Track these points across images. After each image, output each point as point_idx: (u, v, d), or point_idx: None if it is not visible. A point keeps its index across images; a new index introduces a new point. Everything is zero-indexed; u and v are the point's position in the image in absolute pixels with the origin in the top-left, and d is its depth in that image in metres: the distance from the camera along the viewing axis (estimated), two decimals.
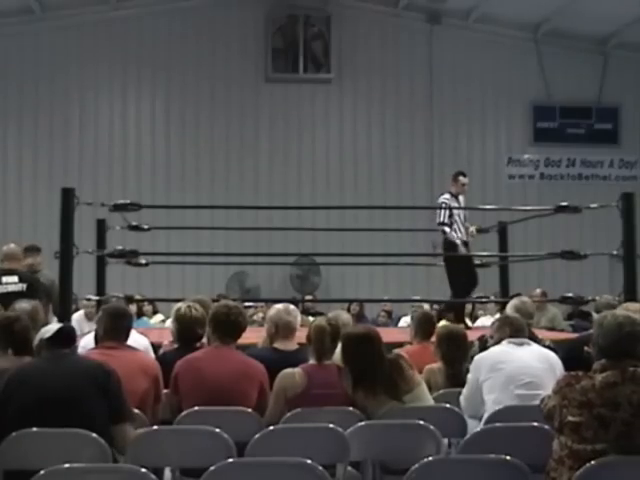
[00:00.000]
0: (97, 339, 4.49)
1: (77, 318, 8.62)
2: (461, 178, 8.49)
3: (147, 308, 10.71)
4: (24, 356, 3.98)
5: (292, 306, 4.95)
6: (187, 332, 4.83)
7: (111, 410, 3.58)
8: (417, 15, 14.69)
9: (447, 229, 8.23)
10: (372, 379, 4.14)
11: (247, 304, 10.91)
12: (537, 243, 12.76)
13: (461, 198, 8.50)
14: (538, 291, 10.07)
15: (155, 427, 3.83)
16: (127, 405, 3.71)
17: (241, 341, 4.61)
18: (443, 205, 8.29)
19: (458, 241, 8.21)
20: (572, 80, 14.75)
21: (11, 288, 6.60)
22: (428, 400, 4.30)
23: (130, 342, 4.56)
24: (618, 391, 3.02)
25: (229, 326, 4.44)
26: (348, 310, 10.33)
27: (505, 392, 4.21)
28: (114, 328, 4.38)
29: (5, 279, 6.70)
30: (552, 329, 8.80)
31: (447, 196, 8.38)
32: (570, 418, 3.05)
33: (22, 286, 6.65)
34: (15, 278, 6.70)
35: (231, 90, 14.33)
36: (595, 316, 5.40)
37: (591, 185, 14.72)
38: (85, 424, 3.41)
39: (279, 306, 4.94)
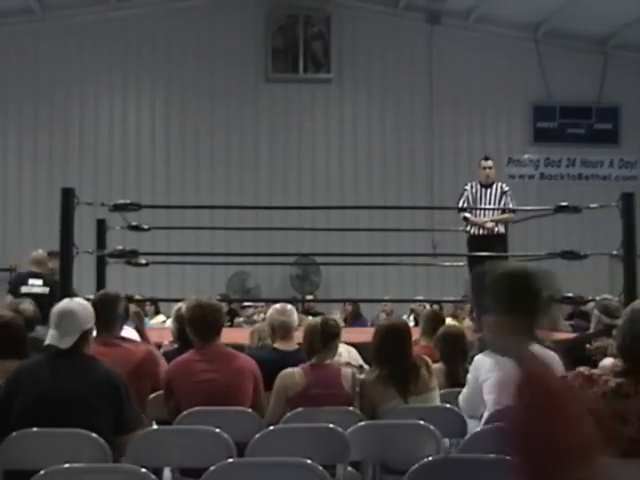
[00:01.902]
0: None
1: None
2: (482, 162, 7.96)
3: (149, 309, 10.68)
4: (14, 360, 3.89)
5: (289, 306, 4.92)
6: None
7: (114, 422, 3.53)
8: (417, 15, 14.69)
9: (466, 214, 7.82)
10: (389, 369, 4.19)
11: (247, 304, 10.93)
12: (537, 243, 12.73)
13: (496, 186, 7.87)
14: None
15: (155, 427, 3.82)
16: (132, 414, 3.62)
17: (239, 341, 4.60)
18: (463, 193, 7.90)
19: (473, 230, 7.81)
20: (572, 80, 14.75)
21: (35, 290, 7.26)
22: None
23: None
24: (629, 404, 2.74)
25: (207, 327, 4.32)
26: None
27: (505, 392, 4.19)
28: (101, 320, 4.23)
29: (31, 281, 7.45)
30: None
31: (472, 183, 7.92)
32: None
33: (45, 289, 7.33)
34: (40, 281, 7.43)
35: (231, 90, 14.33)
36: (594, 312, 5.36)
37: (591, 185, 14.72)
38: (86, 425, 3.39)
39: (275, 306, 4.94)
